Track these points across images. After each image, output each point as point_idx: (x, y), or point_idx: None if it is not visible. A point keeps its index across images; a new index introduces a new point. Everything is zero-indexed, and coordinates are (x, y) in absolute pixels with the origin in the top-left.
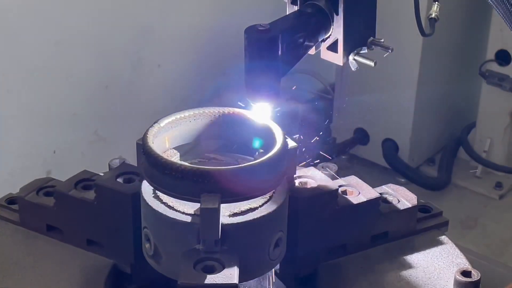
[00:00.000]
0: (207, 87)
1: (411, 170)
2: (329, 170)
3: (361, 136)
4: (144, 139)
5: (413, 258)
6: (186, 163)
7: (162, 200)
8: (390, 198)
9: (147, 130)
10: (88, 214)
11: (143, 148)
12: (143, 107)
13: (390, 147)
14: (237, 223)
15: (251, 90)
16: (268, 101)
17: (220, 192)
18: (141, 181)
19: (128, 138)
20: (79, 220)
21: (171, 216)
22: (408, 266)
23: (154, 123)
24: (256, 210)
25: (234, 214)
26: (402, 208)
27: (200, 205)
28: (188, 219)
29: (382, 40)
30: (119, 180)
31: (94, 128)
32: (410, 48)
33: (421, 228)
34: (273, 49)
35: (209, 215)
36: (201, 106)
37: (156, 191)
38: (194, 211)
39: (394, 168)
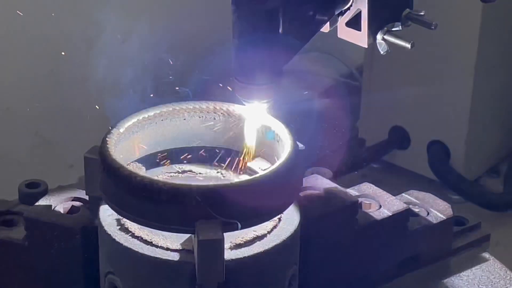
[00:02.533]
0: (189, 69)
1: (468, 184)
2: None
3: (399, 138)
4: (103, 149)
5: (455, 287)
6: (169, 181)
7: (133, 233)
8: (416, 209)
9: (106, 136)
10: (16, 260)
11: (105, 163)
12: (102, 98)
13: (438, 152)
14: (244, 258)
15: (242, 84)
16: (265, 99)
17: (222, 216)
18: (93, 209)
19: (80, 140)
20: (2, 269)
21: (152, 255)
22: None
23: (117, 124)
24: (265, 238)
25: (237, 246)
26: (435, 222)
27: (197, 236)
28: (176, 257)
29: (423, 13)
30: (58, 209)
31: (35, 127)
32: (464, 24)
33: (458, 247)
34: (272, 25)
35: (210, 250)
36: (181, 98)
37: (123, 221)
38: (182, 245)
39: (444, 180)
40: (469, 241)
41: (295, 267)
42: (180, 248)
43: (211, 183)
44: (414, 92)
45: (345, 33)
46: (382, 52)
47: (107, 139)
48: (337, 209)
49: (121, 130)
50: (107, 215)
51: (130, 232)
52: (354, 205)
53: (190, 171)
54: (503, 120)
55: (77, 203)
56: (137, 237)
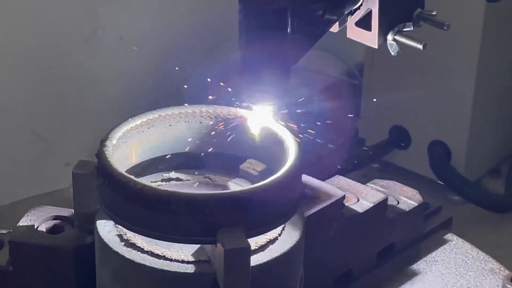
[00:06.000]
0: (189, 68)
1: (469, 185)
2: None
3: (400, 137)
4: (105, 163)
5: (434, 271)
6: (185, 191)
7: (142, 248)
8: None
9: (103, 149)
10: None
11: (111, 179)
12: (99, 95)
13: (439, 152)
14: (264, 264)
15: (249, 86)
16: (273, 102)
17: (242, 223)
18: (82, 227)
19: (78, 138)
20: None
21: (170, 270)
22: (431, 283)
23: (109, 135)
24: (277, 241)
25: (253, 252)
26: (407, 209)
27: (223, 245)
28: (193, 269)
29: (435, 13)
30: (41, 230)
31: (31, 125)
32: (467, 23)
33: (427, 231)
34: (281, 25)
35: (237, 259)
36: (182, 99)
37: (126, 236)
38: (194, 256)
39: (445, 181)
40: (436, 224)
41: (301, 268)
42: (195, 259)
43: (227, 189)
44: (415, 91)
45: (354, 33)
46: (392, 53)
47: (105, 152)
48: (328, 204)
49: (114, 141)
50: (106, 232)
51: (138, 247)
52: (341, 200)
53: (178, 178)
54: (505, 120)
55: (57, 222)
56: (147, 252)
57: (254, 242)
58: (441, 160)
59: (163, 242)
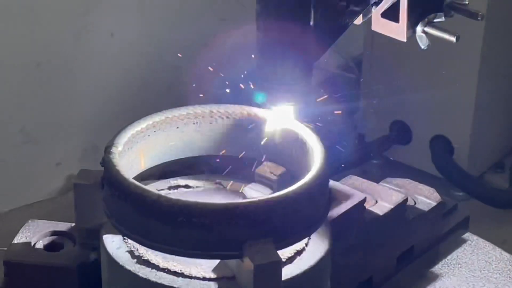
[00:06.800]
0: (185, 64)
1: (472, 180)
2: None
3: (400, 133)
4: (115, 174)
5: (457, 275)
6: (209, 202)
7: (157, 265)
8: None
9: (110, 157)
10: None
11: (117, 184)
12: (91, 93)
13: (441, 147)
14: (294, 278)
15: (269, 85)
16: (293, 102)
17: (271, 234)
18: (84, 243)
19: (69, 137)
20: None
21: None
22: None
23: (114, 141)
24: (304, 252)
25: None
26: (427, 209)
27: (252, 260)
28: (216, 286)
29: (467, 2)
30: (38, 247)
31: (20, 124)
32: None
33: (446, 232)
34: (303, 18)
35: (269, 274)
36: (174, 97)
37: (137, 253)
38: (215, 272)
39: (448, 176)
40: (454, 224)
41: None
42: (217, 276)
43: (244, 196)
44: (416, 85)
45: (379, 25)
46: (422, 47)
47: (112, 160)
48: (350, 208)
49: (120, 148)
50: (115, 248)
51: (153, 264)
52: (363, 202)
53: (186, 185)
54: (508, 113)
55: (56, 237)
56: (163, 270)
57: (281, 254)
58: (443, 155)
59: (180, 257)
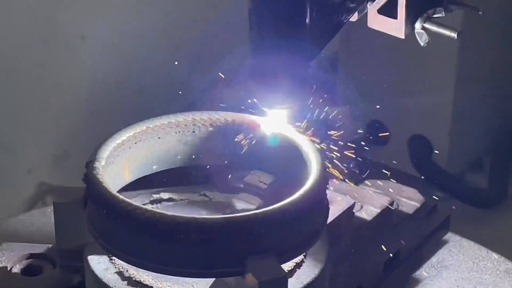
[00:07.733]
0: (160, 68)
1: (452, 180)
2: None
3: (378, 132)
4: (102, 190)
5: (445, 278)
6: (207, 217)
7: (149, 285)
8: None
9: (94, 174)
10: None
11: (104, 202)
12: (62, 98)
13: (420, 147)
14: None
15: (262, 87)
16: (292, 104)
17: (273, 248)
18: (65, 265)
19: (41, 144)
20: None
21: None
22: None
23: (97, 155)
24: (303, 265)
25: None
26: (411, 211)
27: (257, 276)
28: None
29: None
30: (15, 271)
31: None
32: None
33: (428, 233)
34: (299, 15)
35: None
36: (146, 100)
37: (127, 274)
38: None
39: (427, 176)
40: (437, 225)
41: None
42: None
43: (233, 208)
44: (393, 84)
45: (376, 22)
46: (422, 44)
47: (97, 176)
48: (340, 214)
49: (103, 162)
50: (102, 269)
51: (145, 285)
52: (352, 207)
53: (170, 198)
54: (487, 112)
55: (33, 260)
56: None
57: None
58: (422, 154)
59: (173, 277)
